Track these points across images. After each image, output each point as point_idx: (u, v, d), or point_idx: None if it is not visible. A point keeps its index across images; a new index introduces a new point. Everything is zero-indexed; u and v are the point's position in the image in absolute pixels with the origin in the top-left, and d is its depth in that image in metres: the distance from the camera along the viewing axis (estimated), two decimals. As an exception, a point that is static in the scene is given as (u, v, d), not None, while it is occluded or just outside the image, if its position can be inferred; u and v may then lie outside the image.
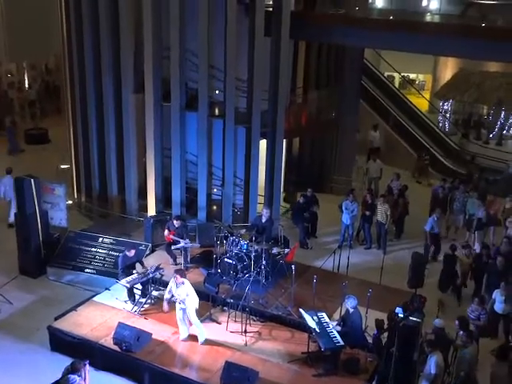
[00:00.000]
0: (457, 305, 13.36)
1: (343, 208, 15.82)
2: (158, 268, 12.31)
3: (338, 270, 13.81)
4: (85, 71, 16.24)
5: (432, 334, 10.26)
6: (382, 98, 23.86)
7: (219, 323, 11.54)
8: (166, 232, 13.59)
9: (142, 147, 15.95)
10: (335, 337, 10.05)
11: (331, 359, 10.16)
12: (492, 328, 12.02)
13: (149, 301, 12.06)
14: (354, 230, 16.36)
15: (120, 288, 12.18)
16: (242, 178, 15.93)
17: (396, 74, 29.69)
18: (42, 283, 13.69)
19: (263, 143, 15.68)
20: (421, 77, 33.67)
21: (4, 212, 16.26)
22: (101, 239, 14.33)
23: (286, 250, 13.67)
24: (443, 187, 17.46)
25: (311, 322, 10.26)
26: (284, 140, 16.35)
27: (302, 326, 10.94)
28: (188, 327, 11.00)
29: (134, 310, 11.85)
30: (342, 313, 10.93)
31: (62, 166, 18.92)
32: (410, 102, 24.67)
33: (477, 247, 15.32)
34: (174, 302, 10.98)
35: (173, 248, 13.55)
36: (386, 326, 10.52)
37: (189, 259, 13.60)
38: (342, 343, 10.00)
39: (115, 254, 13.68)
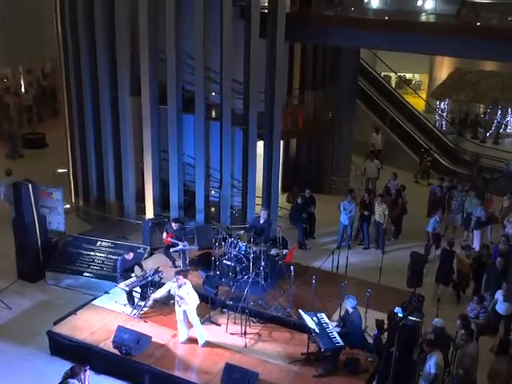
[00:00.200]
0: (456, 303, 13.40)
1: (341, 208, 15.84)
2: (156, 271, 12.30)
3: (337, 270, 13.82)
4: (81, 75, 16.21)
5: (432, 334, 10.28)
6: (378, 97, 23.91)
7: (219, 325, 11.53)
8: (165, 235, 13.59)
9: (139, 150, 15.94)
10: (335, 337, 10.06)
11: (331, 360, 10.16)
12: (492, 328, 12.03)
13: (148, 304, 12.04)
14: (353, 230, 16.38)
15: (119, 291, 12.15)
16: (240, 180, 15.95)
17: (392, 74, 29.75)
18: (41, 288, 13.67)
19: (260, 144, 15.69)
20: (417, 76, 33.75)
21: (3, 213, 16.14)
22: (99, 243, 14.32)
23: (285, 251, 13.68)
24: (441, 186, 17.49)
25: (311, 322, 10.27)
26: (281, 141, 16.37)
27: (302, 327, 10.93)
28: (188, 329, 10.99)
29: (133, 313, 11.83)
30: (342, 313, 10.94)
31: (60, 170, 18.90)
32: (407, 102, 24.73)
33: (476, 246, 15.36)
34: (173, 304, 10.98)
35: (171, 251, 13.56)
36: (386, 326, 10.54)
37: (187, 262, 13.59)
38: (341, 343, 10.01)
39: (114, 257, 13.67)
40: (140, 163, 15.99)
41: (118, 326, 10.85)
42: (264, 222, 13.78)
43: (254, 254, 12.51)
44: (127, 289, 11.88)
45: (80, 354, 10.70)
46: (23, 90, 27.93)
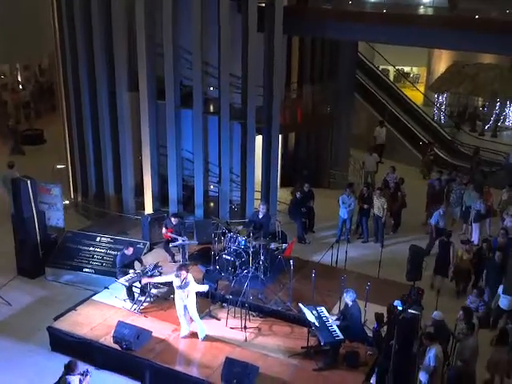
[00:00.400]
0: (455, 297, 13.43)
1: (340, 202, 15.84)
2: (156, 266, 12.31)
3: (337, 264, 13.84)
4: (78, 71, 16.19)
5: (431, 327, 10.30)
6: (376, 91, 23.89)
7: (219, 319, 11.55)
8: (164, 230, 13.60)
9: (137, 145, 15.94)
10: (335, 331, 10.08)
11: (331, 353, 10.19)
12: (494, 323, 12.03)
13: (148, 299, 12.06)
14: (352, 224, 16.39)
15: (119, 287, 12.17)
16: (239, 174, 15.95)
17: (390, 68, 29.72)
18: (41, 284, 13.68)
19: (259, 139, 15.68)
20: (415, 70, 33.71)
21: (2, 210, 16.10)
22: (98, 238, 14.32)
23: (284, 245, 13.69)
24: (440, 180, 17.49)
25: (311, 316, 10.28)
26: (280, 135, 16.36)
27: (302, 321, 10.95)
28: (189, 324, 11.01)
29: (133, 308, 11.85)
30: (341, 307, 10.96)
31: (58, 166, 18.89)
32: (405, 95, 24.71)
33: (474, 239, 15.38)
34: (173, 298, 11.00)
35: (171, 245, 13.57)
36: (385, 320, 10.56)
37: (187, 256, 13.61)
38: (341, 337, 10.03)
39: (113, 252, 13.68)
40: (138, 157, 15.97)
41: (118, 321, 10.87)
42: (263, 216, 13.78)
43: (253, 248, 12.52)
44: (127, 284, 11.89)
45: (80, 350, 10.76)
46: (20, 86, 27.88)
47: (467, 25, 14.09)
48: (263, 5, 14.85)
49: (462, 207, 16.54)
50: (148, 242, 14.27)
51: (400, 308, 9.50)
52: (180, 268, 10.72)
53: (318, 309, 10.54)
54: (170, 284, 11.20)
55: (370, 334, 10.62)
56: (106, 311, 11.77)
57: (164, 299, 12.09)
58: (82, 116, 16.62)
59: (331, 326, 10.19)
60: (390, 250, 15.36)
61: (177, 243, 13.45)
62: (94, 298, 12.28)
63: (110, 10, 15.07)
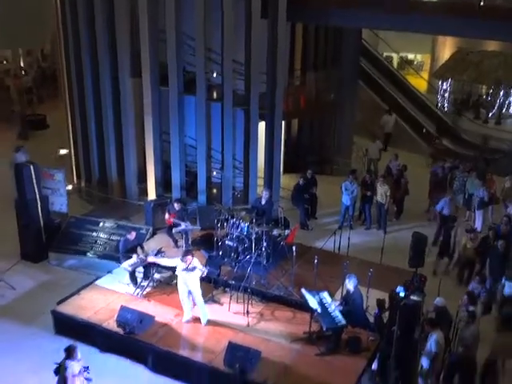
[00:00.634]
0: (458, 284, 13.46)
1: (343, 189, 15.85)
2: (159, 251, 12.35)
3: (339, 250, 13.87)
4: (81, 56, 16.15)
5: (433, 313, 10.34)
6: (380, 78, 23.78)
7: (221, 304, 11.61)
8: (167, 215, 13.63)
9: (140, 131, 15.93)
10: (337, 316, 10.11)
11: (333, 338, 10.24)
12: (498, 310, 12.02)
13: (151, 284, 12.11)
14: (355, 210, 16.41)
15: (122, 271, 12.24)
16: (242, 161, 15.95)
17: (394, 55, 29.56)
18: (44, 268, 13.75)
19: (262, 125, 15.66)
20: (419, 57, 33.51)
21: (7, 195, 16.09)
22: (102, 223, 14.36)
23: (287, 232, 13.71)
24: (443, 167, 17.46)
25: (313, 302, 10.32)
26: (283, 122, 16.33)
27: (304, 306, 10.97)
28: (192, 309, 11.06)
29: (136, 292, 11.91)
30: (343, 293, 11.00)
31: (61, 152, 18.89)
32: (409, 83, 24.60)
33: (477, 226, 15.37)
34: (175, 284, 11.04)
35: (174, 231, 13.61)
36: (387, 306, 10.60)
37: (190, 242, 13.64)
38: (343, 322, 10.07)
39: (116, 238, 13.74)
40: (141, 143, 15.98)
41: (121, 305, 10.93)
42: (266, 202, 13.81)
43: (256, 234, 12.54)
44: (130, 269, 11.95)
45: (84, 333, 10.84)
46: (23, 72, 27.84)
47: (472, 11, 14.00)
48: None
49: (465, 195, 16.52)
50: (151, 228, 14.31)
51: (402, 294, 9.54)
52: (186, 253, 10.78)
53: (320, 294, 10.57)
54: (173, 269, 11.24)
55: (372, 319, 10.67)
56: (109, 296, 11.84)
57: (167, 284, 12.15)
58: (84, 102, 16.60)
59: (333, 311, 10.23)
60: (393, 237, 15.35)
61: (180, 229, 13.48)
62: (97, 282, 12.35)
63: (113, -5, 15.02)
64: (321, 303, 10.33)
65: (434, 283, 11.97)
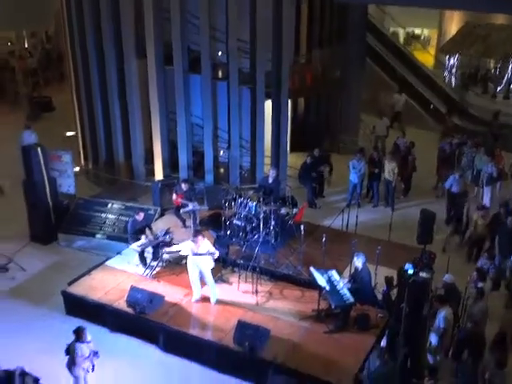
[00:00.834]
0: (466, 260, 13.45)
1: (350, 167, 15.81)
2: (167, 232, 12.39)
3: (347, 228, 13.88)
4: (85, 38, 16.07)
5: (442, 289, 10.36)
6: (387, 54, 23.52)
7: (230, 284, 11.68)
8: (174, 196, 13.63)
9: (146, 111, 15.90)
10: (345, 294, 10.15)
11: (342, 316, 10.30)
12: (507, 286, 12.02)
13: (160, 264, 12.18)
14: (363, 188, 16.37)
15: (131, 252, 12.30)
16: (248, 140, 15.90)
17: (401, 30, 29.23)
18: (54, 249, 13.85)
19: (268, 104, 15.59)
20: (426, 32, 33.14)
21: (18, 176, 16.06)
22: (110, 205, 14.40)
23: (295, 210, 13.70)
24: (450, 143, 17.36)
25: (321, 280, 10.35)
26: (289, 100, 16.24)
27: (313, 285, 11.00)
28: (201, 288, 11.13)
29: (145, 273, 11.99)
30: (352, 271, 11.02)
31: (68, 134, 18.88)
32: (416, 58, 24.34)
33: (486, 201, 15.29)
34: (185, 264, 11.10)
35: (181, 211, 13.63)
36: (395, 283, 10.62)
37: (198, 222, 13.68)
38: (351, 300, 10.11)
39: (125, 218, 13.78)
40: (148, 124, 15.95)
41: (131, 285, 11.01)
42: (273, 181, 13.79)
43: (263, 213, 12.55)
44: (139, 250, 12.01)
45: (94, 313, 10.94)
46: (28, 53, 27.75)
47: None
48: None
49: (473, 171, 16.44)
50: (159, 208, 14.34)
51: (411, 271, 9.55)
52: (196, 233, 10.80)
53: (328, 272, 10.60)
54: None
55: (380, 297, 10.70)
56: (119, 276, 11.92)
57: (176, 264, 12.19)
58: (90, 83, 16.55)
59: (342, 289, 10.26)
60: (401, 214, 15.30)
61: (187, 209, 13.50)
62: (107, 263, 12.43)
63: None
64: (329, 281, 10.36)
65: (442, 260, 11.99)
